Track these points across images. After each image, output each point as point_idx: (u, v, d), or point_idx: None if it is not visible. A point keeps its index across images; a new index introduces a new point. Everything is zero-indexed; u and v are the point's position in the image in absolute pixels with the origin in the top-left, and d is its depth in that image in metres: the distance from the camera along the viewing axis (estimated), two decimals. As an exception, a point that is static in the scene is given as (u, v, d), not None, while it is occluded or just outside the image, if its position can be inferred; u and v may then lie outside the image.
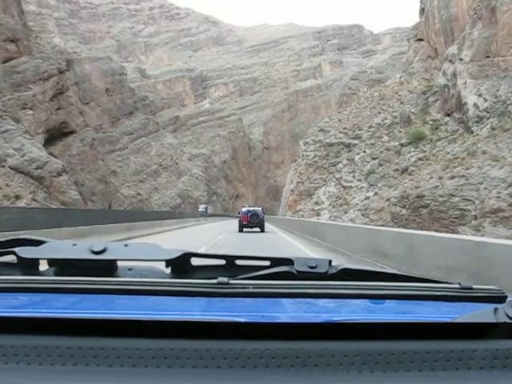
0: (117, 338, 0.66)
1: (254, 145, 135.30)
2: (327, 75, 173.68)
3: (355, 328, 0.69)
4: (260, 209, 26.33)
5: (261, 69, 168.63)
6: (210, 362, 0.63)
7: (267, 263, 0.96)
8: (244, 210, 25.83)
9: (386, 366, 0.65)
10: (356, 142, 47.83)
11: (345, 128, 51.08)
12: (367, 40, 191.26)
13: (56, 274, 0.95)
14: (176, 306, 0.82)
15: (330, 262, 0.94)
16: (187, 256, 0.95)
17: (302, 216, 38.50)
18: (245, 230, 24.72)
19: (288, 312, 0.83)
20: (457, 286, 0.88)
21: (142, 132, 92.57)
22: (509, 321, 0.70)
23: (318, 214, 37.30)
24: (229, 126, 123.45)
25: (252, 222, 24.50)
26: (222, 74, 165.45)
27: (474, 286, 0.87)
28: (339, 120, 54.28)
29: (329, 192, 40.26)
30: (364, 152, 44.31)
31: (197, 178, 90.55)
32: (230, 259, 0.98)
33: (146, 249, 0.95)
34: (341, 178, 41.27)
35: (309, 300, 0.85)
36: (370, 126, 49.09)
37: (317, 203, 39.83)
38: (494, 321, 0.70)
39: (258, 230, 24.67)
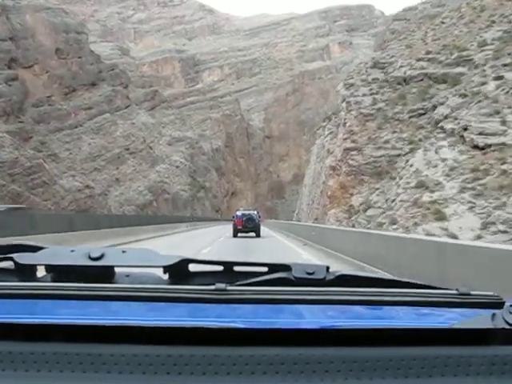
0: (114, 345, 0.64)
1: (253, 132, 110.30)
2: (336, 57, 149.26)
3: (353, 334, 0.67)
4: (255, 212, 23.79)
5: (261, 50, 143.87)
6: (207, 368, 0.62)
7: (265, 269, 0.93)
8: (238, 213, 23.42)
9: (384, 372, 0.63)
10: (461, 69, 23.20)
11: (428, 52, 26.46)
12: (378, 22, 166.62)
13: (54, 280, 0.92)
14: (173, 313, 0.79)
15: (328, 268, 0.90)
16: (185, 262, 0.92)
17: (390, 225, 13.95)
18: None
19: (285, 318, 0.80)
20: (454, 291, 0.85)
21: (105, 107, 67.71)
22: (507, 326, 0.67)
23: (446, 229, 12.64)
24: (223, 108, 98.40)
25: (247, 227, 22.32)
26: (217, 57, 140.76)
27: (472, 292, 0.84)
28: (408, 46, 29.71)
29: (444, 161, 15.85)
30: (499, 79, 19.88)
31: (177, 166, 65.70)
32: (228, 265, 0.95)
33: (143, 255, 0.92)
34: (465, 129, 16.85)
35: (306, 306, 0.81)
36: (483, 44, 24.45)
37: (426, 189, 15.02)
38: (491, 326, 0.68)
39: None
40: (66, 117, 61.80)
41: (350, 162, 20.76)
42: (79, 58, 69.54)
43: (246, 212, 23.52)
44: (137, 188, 57.24)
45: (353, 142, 21.67)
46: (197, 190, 67.31)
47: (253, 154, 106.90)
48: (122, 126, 66.46)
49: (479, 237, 11.24)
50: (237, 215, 23.01)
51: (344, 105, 26.31)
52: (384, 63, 28.77)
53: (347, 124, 24.05)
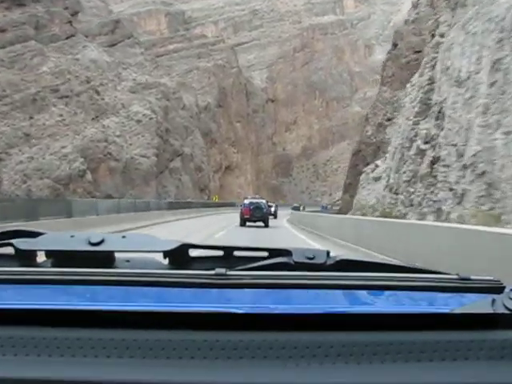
0: (114, 330, 0.63)
1: (254, 91, 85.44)
2: (350, 12, 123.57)
3: (353, 319, 0.66)
4: (264, 201, 23.39)
5: (262, 3, 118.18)
6: (207, 353, 0.61)
7: (265, 254, 0.92)
8: (246, 201, 22.79)
9: (383, 356, 0.62)
10: None
11: None
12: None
13: (54, 266, 0.90)
14: (173, 298, 0.78)
15: (328, 252, 0.89)
16: (185, 247, 0.90)
17: None
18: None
19: (286, 303, 0.79)
20: (455, 276, 0.84)
21: (30, 32, 43.23)
22: (506, 311, 0.67)
23: None
24: (215, 58, 73.63)
25: (255, 216, 21.62)
26: (212, 13, 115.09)
27: (472, 277, 0.83)
28: None
29: None
30: None
31: (139, 121, 41.40)
32: (228, 250, 0.94)
33: (143, 240, 0.91)
34: None
35: (306, 291, 0.80)
36: None
37: None
38: (491, 311, 0.67)
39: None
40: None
41: None
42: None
43: (254, 200, 22.86)
44: (60, 150, 32.77)
45: None
46: (169, 158, 42.88)
47: (253, 118, 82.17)
48: (54, 61, 41.84)
49: None
50: (244, 204, 22.47)
51: None
52: None
53: None
